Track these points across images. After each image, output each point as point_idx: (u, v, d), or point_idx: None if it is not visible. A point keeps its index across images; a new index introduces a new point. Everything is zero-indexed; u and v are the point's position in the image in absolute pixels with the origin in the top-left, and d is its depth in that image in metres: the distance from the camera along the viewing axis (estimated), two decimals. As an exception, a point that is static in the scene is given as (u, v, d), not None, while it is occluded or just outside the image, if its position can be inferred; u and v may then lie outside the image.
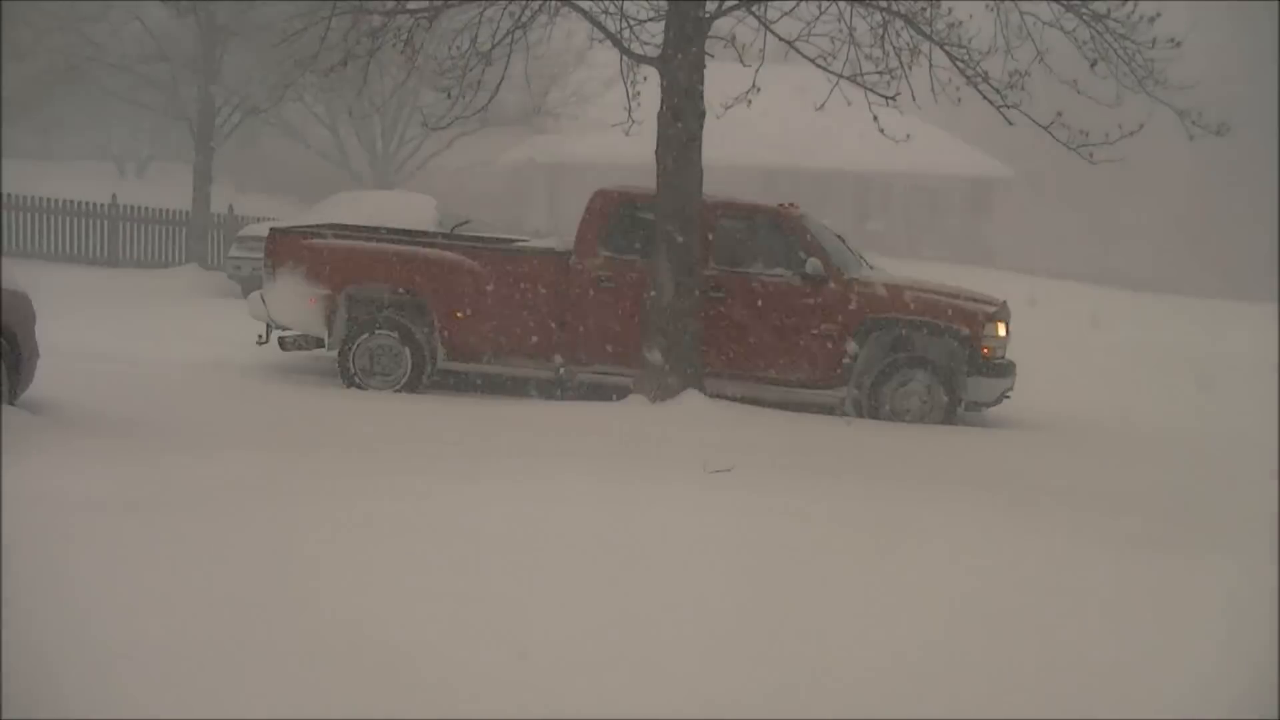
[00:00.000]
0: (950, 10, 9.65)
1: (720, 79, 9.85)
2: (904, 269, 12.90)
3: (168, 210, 21.86)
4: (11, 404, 7.10)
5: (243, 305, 12.53)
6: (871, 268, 10.75)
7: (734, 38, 10.11)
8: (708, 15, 9.65)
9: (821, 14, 10.06)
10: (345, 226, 11.64)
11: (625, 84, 10.41)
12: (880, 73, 9.85)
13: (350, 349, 10.09)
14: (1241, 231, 40.59)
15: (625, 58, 10.18)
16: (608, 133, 11.72)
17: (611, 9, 10.27)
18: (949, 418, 9.73)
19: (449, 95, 10.02)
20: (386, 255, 10.33)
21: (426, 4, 9.65)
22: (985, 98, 9.58)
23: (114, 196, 21.54)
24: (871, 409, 9.77)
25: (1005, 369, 10.04)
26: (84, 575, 4.27)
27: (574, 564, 4.71)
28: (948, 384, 9.75)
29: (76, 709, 3.33)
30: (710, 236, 9.95)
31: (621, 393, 9.59)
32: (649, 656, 3.91)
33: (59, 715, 3.31)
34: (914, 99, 9.95)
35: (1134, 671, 4.03)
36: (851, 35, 9.99)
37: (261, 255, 11.12)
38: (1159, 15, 9.19)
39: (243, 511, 5.15)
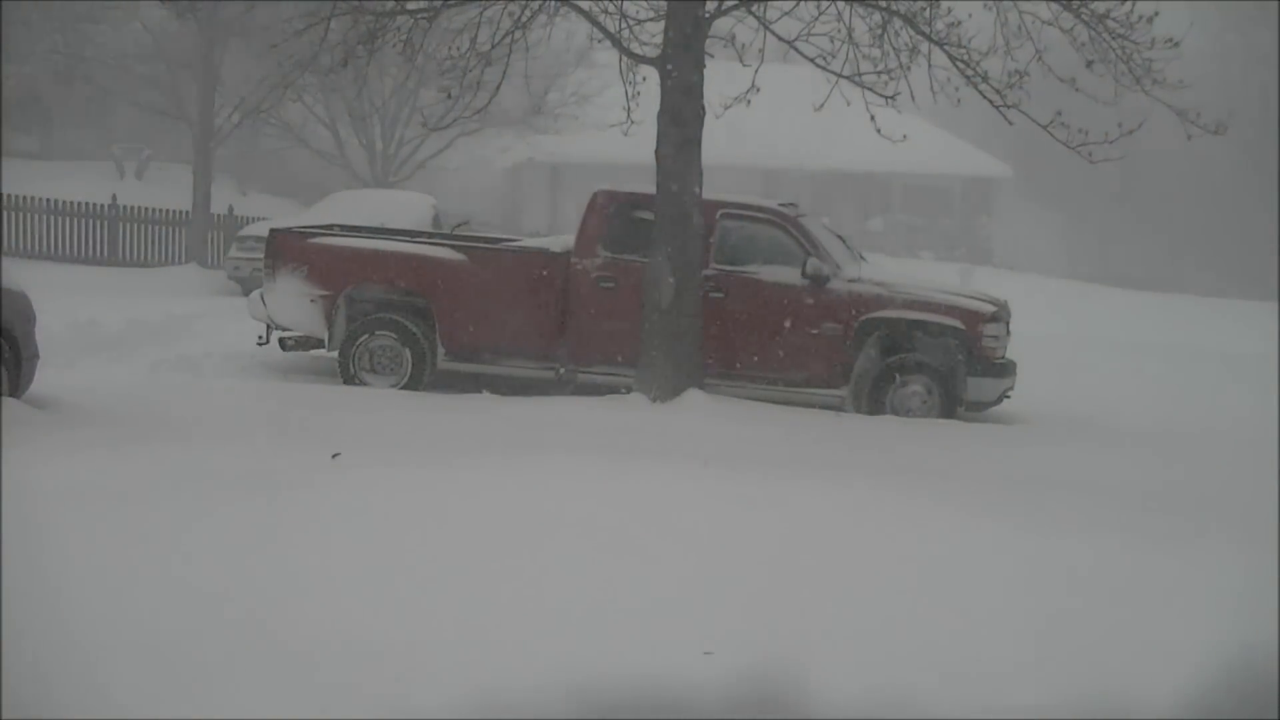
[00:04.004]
0: (950, 10, 9.67)
1: (720, 79, 9.86)
2: (904, 269, 12.92)
3: (168, 210, 21.88)
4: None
5: (242, 305, 12.55)
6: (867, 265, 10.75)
7: (734, 38, 10.12)
8: (708, 15, 9.66)
9: (821, 14, 10.08)
10: (345, 226, 11.66)
11: (625, 84, 10.42)
12: (879, 73, 9.87)
13: (350, 350, 10.09)
14: (1241, 231, 40.62)
15: (625, 58, 10.19)
16: (607, 133, 11.73)
17: (611, 9, 10.28)
18: (949, 417, 9.73)
19: (449, 95, 10.03)
20: (386, 255, 10.33)
21: (426, 4, 9.66)
22: (985, 97, 9.59)
23: (114, 196, 21.55)
24: (872, 408, 9.77)
25: (1006, 368, 10.04)
26: (79, 567, 4.27)
27: (575, 556, 4.72)
28: (948, 383, 9.76)
29: (70, 702, 3.33)
30: (710, 236, 9.96)
31: (622, 392, 9.59)
32: (649, 651, 3.91)
33: (57, 713, 3.31)
34: (913, 99, 9.97)
35: (1134, 670, 4.04)
36: (850, 35, 10.00)
37: (261, 255, 11.14)
38: (1156, 14, 9.20)
39: (237, 502, 5.15)
